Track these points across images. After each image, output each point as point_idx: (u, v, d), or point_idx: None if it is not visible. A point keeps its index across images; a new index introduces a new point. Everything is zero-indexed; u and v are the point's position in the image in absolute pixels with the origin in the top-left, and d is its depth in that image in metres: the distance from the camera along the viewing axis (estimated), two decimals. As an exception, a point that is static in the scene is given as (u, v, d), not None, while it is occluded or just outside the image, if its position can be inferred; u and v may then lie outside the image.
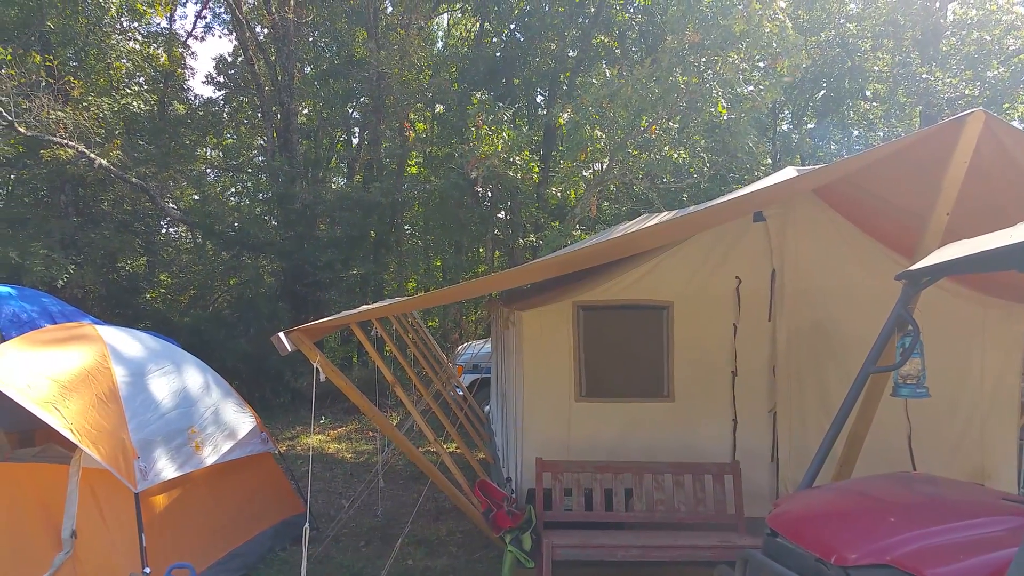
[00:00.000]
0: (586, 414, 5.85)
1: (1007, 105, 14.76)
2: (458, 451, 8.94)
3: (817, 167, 4.55)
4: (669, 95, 10.87)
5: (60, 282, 12.60)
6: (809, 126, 19.65)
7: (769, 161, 16.61)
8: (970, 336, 5.77)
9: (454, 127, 16.20)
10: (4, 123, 12.30)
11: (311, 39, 17.90)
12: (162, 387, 5.31)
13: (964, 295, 5.79)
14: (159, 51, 17.86)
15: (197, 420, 5.43)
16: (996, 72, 14.08)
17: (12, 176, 16.54)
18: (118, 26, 16.82)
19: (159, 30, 18.41)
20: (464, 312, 18.84)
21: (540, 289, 7.11)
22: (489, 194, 13.84)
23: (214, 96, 19.68)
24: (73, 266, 13.13)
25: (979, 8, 15.17)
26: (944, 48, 14.89)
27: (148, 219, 17.27)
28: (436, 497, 7.66)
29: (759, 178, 8.38)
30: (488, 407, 11.45)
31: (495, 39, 18.23)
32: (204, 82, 31.10)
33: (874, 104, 17.56)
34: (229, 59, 19.62)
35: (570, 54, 16.31)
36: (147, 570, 4.30)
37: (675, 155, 11.54)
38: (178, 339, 9.76)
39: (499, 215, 14.54)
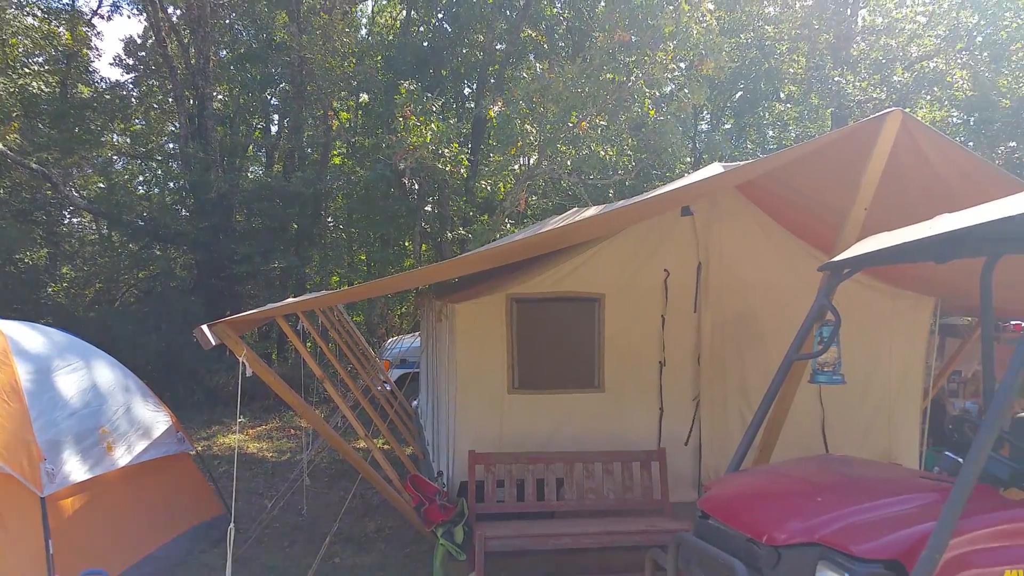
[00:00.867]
0: (519, 406, 5.86)
1: (908, 109, 15.66)
2: (387, 446, 8.80)
3: (743, 163, 4.70)
4: (599, 92, 11.00)
5: (-51, 274, 11.68)
6: (727, 126, 20.29)
7: (690, 160, 17.05)
8: (881, 326, 6.12)
9: (380, 117, 15.84)
10: None
11: (228, 21, 17.16)
12: (70, 384, 4.97)
13: (876, 287, 6.13)
14: (60, 29, 16.72)
15: (109, 419, 5.12)
16: (901, 77, 14.89)
17: None
18: (14, 0, 15.65)
19: (61, 6, 17.32)
20: (390, 307, 18.53)
21: (472, 282, 7.07)
22: (416, 186, 13.61)
23: (122, 79, 18.79)
24: (-36, 257, 12.20)
25: (884, 16, 16.00)
26: (855, 52, 15.62)
27: (50, 208, 16.22)
28: (364, 494, 7.51)
29: (681, 176, 8.61)
30: (416, 402, 11.33)
31: (422, 28, 17.96)
32: (112, 64, 29.40)
33: (788, 105, 18.26)
34: (139, 40, 18.63)
35: (498, 47, 16.24)
36: (55, 579, 4.02)
37: (602, 152, 11.70)
38: (83, 335, 9.17)
39: (427, 208, 14.33)
